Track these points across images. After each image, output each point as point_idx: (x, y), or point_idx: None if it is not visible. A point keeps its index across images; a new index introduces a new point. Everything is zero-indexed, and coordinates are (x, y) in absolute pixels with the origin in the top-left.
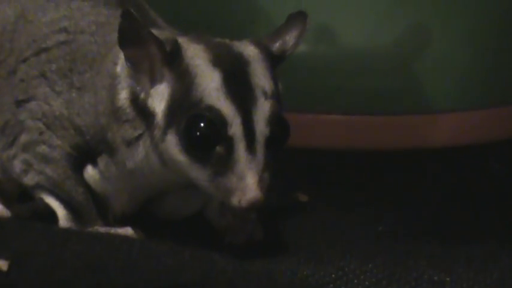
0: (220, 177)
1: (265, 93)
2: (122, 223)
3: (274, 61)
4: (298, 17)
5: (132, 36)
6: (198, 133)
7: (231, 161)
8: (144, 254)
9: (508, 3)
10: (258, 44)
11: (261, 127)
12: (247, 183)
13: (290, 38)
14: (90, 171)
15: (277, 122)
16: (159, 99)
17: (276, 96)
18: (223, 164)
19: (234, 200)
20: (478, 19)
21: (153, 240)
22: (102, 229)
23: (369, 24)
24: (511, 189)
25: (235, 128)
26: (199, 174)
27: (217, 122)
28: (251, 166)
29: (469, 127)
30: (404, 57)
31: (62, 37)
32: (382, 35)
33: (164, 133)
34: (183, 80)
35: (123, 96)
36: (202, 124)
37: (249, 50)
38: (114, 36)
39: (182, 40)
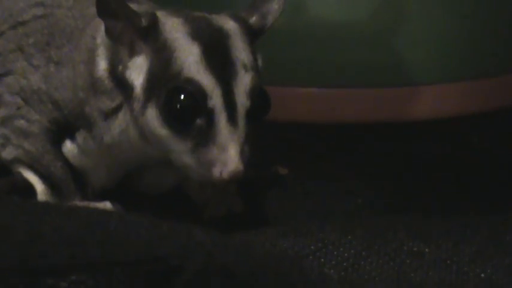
0: (201, 149)
1: (245, 66)
2: (101, 198)
3: (253, 35)
4: None
5: (109, 8)
6: (178, 106)
7: (212, 133)
8: (122, 227)
9: None
10: (236, 17)
11: (242, 99)
12: (229, 154)
13: (268, 11)
14: (68, 146)
15: (258, 94)
16: (137, 71)
17: (256, 69)
18: (204, 136)
19: (215, 172)
20: None
21: (131, 213)
22: (81, 203)
23: None
24: (490, 161)
25: (216, 100)
26: (179, 147)
27: (197, 94)
28: (233, 137)
29: (449, 100)
30: (383, 30)
31: (38, 11)
32: (361, 8)
33: (144, 106)
34: (162, 53)
35: (102, 67)
36: (182, 97)
37: (228, 23)
38: (92, 10)
39: (160, 14)
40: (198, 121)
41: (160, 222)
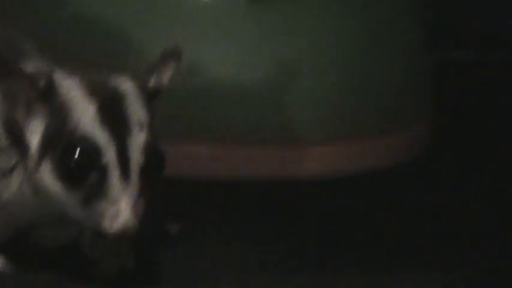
0: (93, 204)
1: (140, 124)
2: None
3: (150, 95)
4: (173, 53)
5: (3, 70)
6: (72, 162)
7: (104, 187)
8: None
9: (376, 35)
10: (133, 78)
11: (136, 156)
12: (120, 207)
13: (164, 73)
14: None
15: (152, 151)
16: (33, 131)
17: (151, 127)
18: (97, 192)
19: (106, 224)
20: (347, 51)
21: (26, 270)
22: None
23: (236, 56)
24: (374, 222)
25: (109, 157)
26: (72, 202)
27: (91, 151)
28: (124, 192)
29: (338, 159)
30: (272, 89)
31: None
32: (251, 68)
33: (38, 163)
34: (58, 113)
35: None
36: (76, 153)
37: (125, 83)
38: None
39: (56, 74)
40: (92, 177)
41: (54, 279)
